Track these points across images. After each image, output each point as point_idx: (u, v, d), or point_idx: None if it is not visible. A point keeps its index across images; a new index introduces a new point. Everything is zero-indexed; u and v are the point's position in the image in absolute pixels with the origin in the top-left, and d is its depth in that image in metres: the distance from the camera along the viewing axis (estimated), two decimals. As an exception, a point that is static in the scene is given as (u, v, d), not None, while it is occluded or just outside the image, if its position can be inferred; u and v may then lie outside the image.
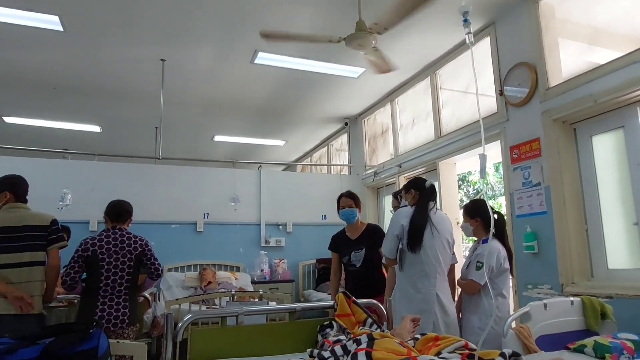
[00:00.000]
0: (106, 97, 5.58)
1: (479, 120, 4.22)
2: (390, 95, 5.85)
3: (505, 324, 2.11)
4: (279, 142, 7.99)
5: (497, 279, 2.61)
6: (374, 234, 3.24)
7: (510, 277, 2.73)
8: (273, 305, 3.57)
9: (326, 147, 8.19)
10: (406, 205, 2.76)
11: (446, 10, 3.84)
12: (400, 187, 3.37)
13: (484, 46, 4.20)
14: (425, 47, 4.55)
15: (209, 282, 4.67)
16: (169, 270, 5.17)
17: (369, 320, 1.43)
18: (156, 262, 3.00)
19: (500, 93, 3.93)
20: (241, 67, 4.85)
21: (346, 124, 6.97)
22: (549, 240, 3.36)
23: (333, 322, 1.50)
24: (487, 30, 4.13)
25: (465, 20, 1.51)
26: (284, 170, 9.62)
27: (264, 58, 4.60)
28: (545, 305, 2.32)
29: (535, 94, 3.59)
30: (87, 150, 5.12)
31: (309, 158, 8.98)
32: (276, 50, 4.47)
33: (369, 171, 6.34)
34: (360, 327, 1.41)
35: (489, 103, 4.16)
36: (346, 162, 7.19)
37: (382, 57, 3.52)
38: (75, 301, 3.26)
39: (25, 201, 2.75)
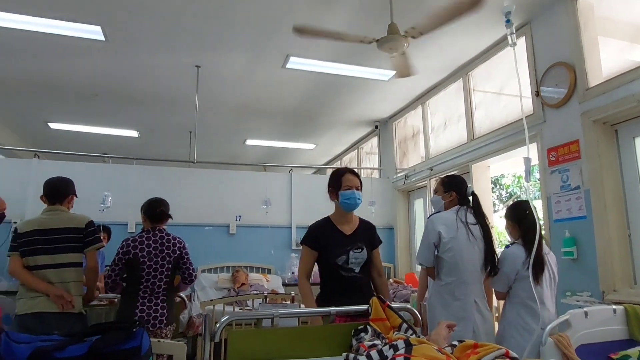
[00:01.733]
0: (143, 103, 5.79)
1: (513, 122, 4.15)
2: (421, 98, 5.79)
3: (544, 332, 2.06)
4: (309, 146, 8.04)
5: (516, 286, 2.50)
6: (371, 231, 2.57)
7: (536, 285, 2.42)
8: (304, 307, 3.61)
9: (356, 150, 8.18)
10: (439, 201, 2.71)
11: (479, 12, 3.78)
12: (435, 185, 3.00)
13: (519, 46, 4.11)
14: (457, 49, 4.50)
15: (242, 284, 4.75)
16: (203, 271, 5.28)
17: (404, 325, 1.43)
18: (190, 268, 3.04)
19: (537, 94, 3.83)
20: (273, 72, 4.92)
21: (376, 127, 6.95)
22: (589, 245, 3.25)
23: (367, 326, 1.50)
24: (523, 30, 4.04)
25: (508, 21, 1.49)
26: (313, 173, 9.67)
27: (296, 62, 4.65)
28: (585, 314, 2.24)
29: (574, 94, 3.48)
30: (126, 154, 5.33)
31: (339, 161, 8.99)
32: (307, 55, 4.52)
33: (399, 174, 6.29)
34: (395, 332, 1.41)
35: (525, 104, 4.06)
36: (376, 165, 7.16)
37: (406, 61, 3.50)
38: (116, 300, 3.37)
39: (64, 203, 2.82)
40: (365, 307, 1.65)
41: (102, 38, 4.07)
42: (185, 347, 1.56)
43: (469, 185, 2.67)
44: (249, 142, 7.69)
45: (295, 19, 3.85)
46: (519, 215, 2.62)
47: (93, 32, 3.96)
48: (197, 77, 4.83)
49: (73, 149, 5.36)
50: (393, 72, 4.94)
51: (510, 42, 1.51)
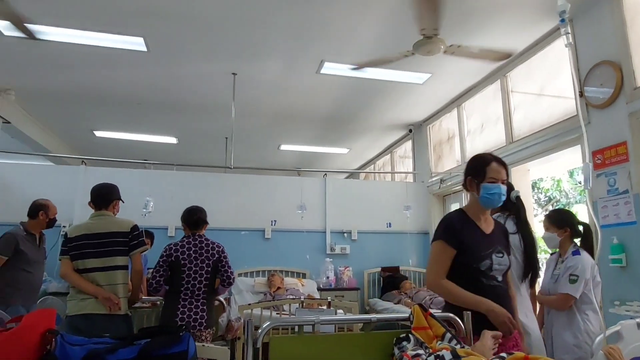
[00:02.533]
0: (182, 110, 5.96)
1: (555, 124, 4.01)
2: (457, 101, 5.70)
3: (594, 343, 1.97)
4: (343, 150, 8.05)
5: (590, 292, 2.49)
6: (505, 234, 2.16)
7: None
8: (341, 313, 3.61)
9: (390, 155, 8.12)
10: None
11: (517, 11, 3.70)
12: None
13: (560, 45, 3.98)
14: (495, 50, 4.39)
15: (278, 288, 4.79)
16: (239, 275, 5.37)
17: (448, 335, 1.41)
18: (229, 271, 3.12)
19: (581, 94, 3.69)
20: (307, 78, 4.96)
21: (410, 130, 6.88)
22: (639, 252, 3.10)
23: (410, 335, 1.49)
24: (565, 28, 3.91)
25: (563, 20, 1.44)
26: (346, 177, 9.66)
27: (330, 68, 4.68)
28: (638, 325, 2.14)
29: (620, 94, 3.33)
30: (165, 160, 5.50)
31: (372, 165, 8.95)
32: (342, 60, 4.54)
33: (434, 178, 6.20)
34: (439, 342, 1.39)
35: (567, 105, 3.93)
36: (410, 170, 7.09)
37: (476, 48, 3.43)
38: (158, 303, 3.48)
39: (109, 208, 2.94)
40: (405, 315, 1.64)
41: (145, 49, 4.23)
42: (229, 353, 1.59)
43: (514, 189, 2.47)
44: (283, 147, 7.78)
45: (330, 24, 3.88)
46: (570, 221, 2.55)
47: (136, 43, 4.12)
48: (233, 84, 4.94)
49: (116, 156, 5.59)
50: (428, 75, 4.89)
51: (565, 42, 1.46)
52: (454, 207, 6.06)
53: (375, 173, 8.75)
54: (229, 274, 3.11)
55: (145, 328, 1.64)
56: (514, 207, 2.47)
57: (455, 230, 1.95)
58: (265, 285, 5.04)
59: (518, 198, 2.47)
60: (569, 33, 1.47)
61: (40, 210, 3.54)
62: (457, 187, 5.69)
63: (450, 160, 6.19)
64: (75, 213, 4.94)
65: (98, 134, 6.93)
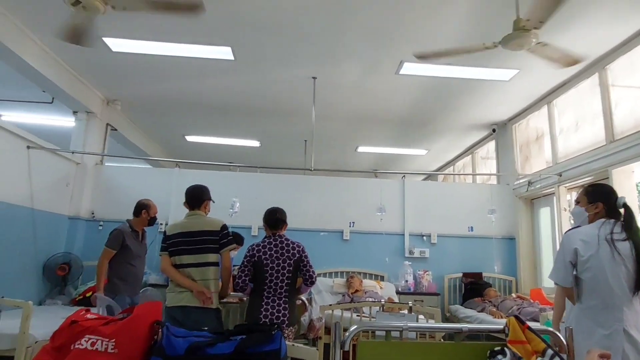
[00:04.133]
0: (264, 115, 6.23)
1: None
2: (547, 97, 5.32)
3: None
4: (421, 152, 7.88)
5: None
6: None
7: None
8: (422, 319, 3.54)
9: (470, 156, 7.80)
10: (582, 213, 2.43)
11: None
12: (577, 195, 2.66)
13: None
14: (591, 41, 4.04)
15: (356, 290, 4.81)
16: (318, 275, 5.47)
17: (549, 352, 1.32)
18: (311, 270, 3.17)
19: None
20: (386, 79, 4.94)
21: (494, 130, 6.55)
22: None
23: (505, 348, 1.43)
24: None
25: None
26: (424, 179, 9.44)
27: (410, 68, 4.61)
28: None
29: None
30: (248, 163, 5.78)
31: (452, 167, 8.65)
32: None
33: (521, 180, 5.84)
34: (539, 358, 1.32)
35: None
36: (494, 171, 6.74)
37: (558, 50, 3.20)
38: (245, 298, 3.66)
39: (201, 208, 3.15)
40: (496, 326, 1.57)
41: (232, 58, 4.48)
42: (317, 354, 1.63)
43: (620, 196, 2.33)
44: (361, 149, 7.79)
45: (410, 24, 3.82)
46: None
47: (224, 52, 4.37)
48: (313, 88, 5.05)
49: (204, 159, 5.98)
50: (516, 71, 4.63)
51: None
52: (544, 211, 5.66)
53: (456, 175, 8.44)
54: (310, 273, 3.16)
55: (240, 325, 1.74)
56: (624, 214, 2.30)
57: None
58: (343, 286, 5.08)
59: (625, 205, 2.28)
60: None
61: (143, 209, 3.89)
62: (548, 190, 5.31)
63: (540, 161, 5.79)
64: (170, 212, 5.36)
65: (189, 138, 7.47)
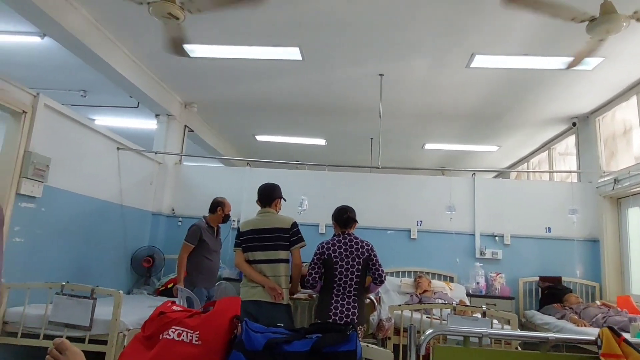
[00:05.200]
0: (331, 113, 6.28)
1: None
2: (637, 87, 4.87)
3: None
4: (492, 148, 7.53)
5: None
6: None
7: None
8: (496, 324, 3.38)
9: (547, 152, 7.32)
10: None
11: None
12: None
13: None
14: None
15: (425, 290, 4.71)
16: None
17: (651, 368, 1.22)
18: (380, 269, 3.15)
19: None
20: (456, 73, 4.78)
21: (574, 124, 6.10)
22: None
23: (598, 362, 1.33)
24: None
25: None
26: (495, 177, 9.02)
27: (481, 61, 4.43)
28: None
29: None
30: (314, 161, 5.86)
31: (525, 164, 8.18)
32: (494, 51, 4.26)
33: (606, 178, 5.39)
34: (637, 374, 1.22)
35: None
36: (573, 168, 6.29)
37: (596, 47, 2.94)
38: (314, 295, 3.72)
39: (272, 206, 3.24)
40: (591, 337, 1.47)
41: (300, 58, 4.56)
42: (392, 356, 1.62)
43: None
44: (428, 146, 7.60)
45: (482, 14, 3.66)
46: None
47: (293, 53, 4.47)
48: (380, 85, 5.01)
49: (273, 158, 6.17)
50: (600, 59, 4.28)
51: None
52: (632, 211, 5.19)
53: (531, 172, 7.97)
54: (380, 272, 3.15)
55: (315, 323, 1.77)
56: None
57: None
58: (411, 286, 5.00)
59: None
60: None
61: (218, 207, 4.10)
62: (637, 189, 4.86)
63: (628, 157, 5.32)
64: (242, 209, 5.58)
65: (258, 137, 7.73)
